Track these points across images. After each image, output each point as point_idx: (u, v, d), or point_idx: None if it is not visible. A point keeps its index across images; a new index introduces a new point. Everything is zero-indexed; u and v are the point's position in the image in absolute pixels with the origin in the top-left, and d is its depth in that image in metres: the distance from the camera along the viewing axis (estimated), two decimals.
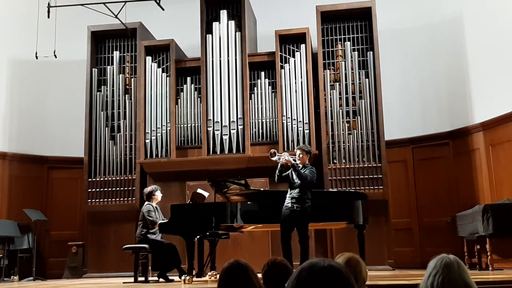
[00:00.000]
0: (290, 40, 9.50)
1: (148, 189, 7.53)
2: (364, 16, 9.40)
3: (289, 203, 6.17)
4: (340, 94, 9.23)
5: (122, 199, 9.46)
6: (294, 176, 6.16)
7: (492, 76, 8.66)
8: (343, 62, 9.32)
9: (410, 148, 9.92)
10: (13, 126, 10.30)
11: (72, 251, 9.70)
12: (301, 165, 6.25)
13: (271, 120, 9.28)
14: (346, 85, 9.25)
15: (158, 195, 7.45)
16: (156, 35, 10.34)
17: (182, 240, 6.72)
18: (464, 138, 9.25)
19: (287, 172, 6.27)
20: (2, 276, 8.61)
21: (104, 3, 8.23)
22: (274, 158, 6.24)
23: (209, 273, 7.27)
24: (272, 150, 6.33)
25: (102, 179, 9.57)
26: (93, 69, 10.00)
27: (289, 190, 6.26)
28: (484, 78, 8.87)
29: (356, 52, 9.33)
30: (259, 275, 2.55)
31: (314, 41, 9.50)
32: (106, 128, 9.78)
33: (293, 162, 6.18)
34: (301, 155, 6.28)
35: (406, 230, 9.70)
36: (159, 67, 9.79)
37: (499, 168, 8.52)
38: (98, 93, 9.92)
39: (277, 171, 6.26)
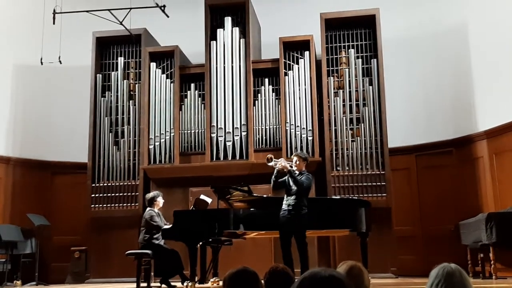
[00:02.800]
0: (294, 47, 9.52)
1: (150, 195, 7.55)
2: (368, 23, 9.42)
3: (285, 210, 6.19)
4: (343, 101, 9.24)
5: (125, 204, 9.47)
6: (291, 182, 6.16)
7: (496, 84, 8.65)
8: (347, 70, 9.33)
9: (413, 156, 9.91)
10: (17, 131, 10.34)
11: (75, 256, 9.70)
12: (297, 172, 6.24)
13: (274, 126, 9.29)
14: (350, 92, 9.25)
15: (160, 201, 7.46)
16: (161, 41, 10.39)
17: (184, 246, 6.71)
18: (468, 146, 9.24)
19: (283, 178, 6.28)
20: (5, 281, 8.62)
21: (109, 10, 8.28)
22: (271, 164, 6.23)
23: (211, 280, 7.27)
24: (269, 156, 6.32)
25: (105, 184, 9.59)
26: (98, 74, 10.04)
27: (285, 196, 6.26)
28: (488, 86, 8.87)
29: (360, 60, 9.34)
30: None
31: (318, 48, 9.51)
32: (110, 133, 9.80)
33: (289, 168, 6.17)
34: (297, 162, 6.28)
35: (410, 238, 9.68)
36: (163, 73, 9.82)
37: (503, 176, 8.49)
38: (102, 98, 9.95)
39: (273, 176, 6.27)
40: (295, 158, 6.33)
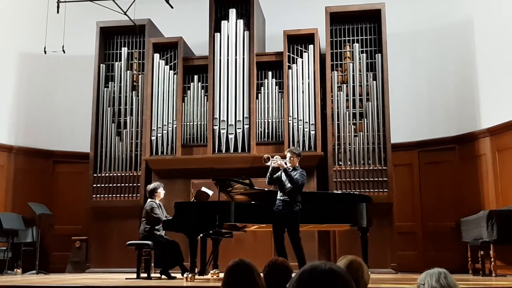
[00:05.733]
0: (299, 41, 9.49)
1: (151, 186, 7.56)
2: (374, 18, 9.37)
3: (280, 205, 6.28)
4: (347, 95, 9.22)
5: (126, 195, 9.48)
6: (284, 178, 6.23)
7: (500, 81, 8.62)
8: (351, 64, 9.30)
9: (416, 152, 9.90)
10: (20, 119, 10.36)
11: (75, 245, 9.74)
12: (291, 168, 6.28)
13: (277, 120, 9.27)
14: (353, 87, 9.23)
15: (161, 192, 7.47)
16: (165, 32, 10.37)
17: (185, 238, 6.73)
18: (471, 143, 9.21)
19: (277, 174, 6.35)
20: (6, 269, 8.65)
21: (113, 0, 8.25)
22: (268, 163, 6.31)
23: (211, 272, 7.28)
24: (266, 156, 6.41)
25: (107, 174, 9.60)
26: (101, 64, 10.03)
27: (279, 192, 6.34)
28: (492, 83, 8.84)
29: (364, 54, 9.30)
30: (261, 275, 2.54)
31: (323, 42, 9.48)
32: (113, 124, 9.80)
33: (285, 166, 6.25)
34: (291, 158, 6.34)
35: (410, 234, 9.68)
36: (166, 64, 9.81)
37: (505, 174, 8.48)
38: (105, 89, 9.94)
39: (268, 173, 6.35)
40: (288, 154, 6.41)
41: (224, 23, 9.59)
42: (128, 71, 9.98)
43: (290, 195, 6.22)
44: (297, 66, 9.35)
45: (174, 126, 9.47)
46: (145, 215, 7.30)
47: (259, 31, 9.96)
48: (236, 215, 6.50)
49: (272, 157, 6.42)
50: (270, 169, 6.33)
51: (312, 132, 9.04)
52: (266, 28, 10.58)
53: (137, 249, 7.20)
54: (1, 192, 9.86)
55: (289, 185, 6.21)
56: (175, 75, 9.70)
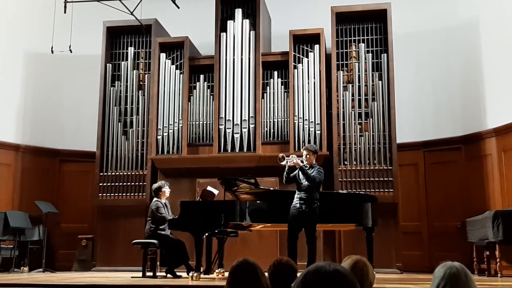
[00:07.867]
0: (304, 40, 9.50)
1: (156, 185, 7.58)
2: (379, 18, 9.37)
3: (297, 203, 6.19)
4: (352, 95, 9.21)
5: (132, 194, 9.52)
6: (301, 177, 6.18)
7: (506, 81, 8.59)
8: (356, 64, 9.30)
9: (421, 152, 9.88)
10: (27, 118, 10.41)
11: (81, 244, 9.79)
12: (308, 165, 6.26)
13: (282, 119, 9.28)
14: (359, 86, 9.22)
15: (166, 190, 7.50)
16: (171, 32, 10.39)
17: (190, 237, 6.76)
18: (477, 143, 9.19)
19: (294, 173, 6.30)
20: (12, 267, 8.70)
21: (120, 0, 8.28)
22: (283, 163, 6.25)
23: (216, 271, 7.31)
24: (281, 155, 6.33)
25: (113, 173, 9.64)
26: (108, 64, 10.07)
27: (297, 190, 6.28)
28: (498, 83, 8.81)
29: (370, 54, 9.30)
30: (266, 274, 2.56)
31: (328, 41, 9.48)
32: (119, 123, 9.84)
33: (301, 164, 6.20)
34: (308, 156, 6.30)
35: (415, 234, 9.66)
36: (173, 64, 9.83)
37: (511, 174, 8.45)
38: (112, 88, 9.98)
39: (284, 172, 6.29)
40: (304, 152, 6.35)
41: (230, 23, 9.61)
42: (134, 71, 10.01)
43: (308, 192, 6.16)
44: (302, 65, 9.36)
45: (180, 125, 9.50)
46: (150, 215, 7.33)
47: (265, 31, 9.97)
48: (241, 215, 6.52)
49: (288, 156, 6.40)
50: (286, 168, 6.27)
51: (318, 132, 9.05)
52: (272, 28, 10.59)
53: (143, 248, 7.24)
54: (8, 191, 9.92)
55: (306, 183, 6.16)
56: (181, 75, 9.73)
